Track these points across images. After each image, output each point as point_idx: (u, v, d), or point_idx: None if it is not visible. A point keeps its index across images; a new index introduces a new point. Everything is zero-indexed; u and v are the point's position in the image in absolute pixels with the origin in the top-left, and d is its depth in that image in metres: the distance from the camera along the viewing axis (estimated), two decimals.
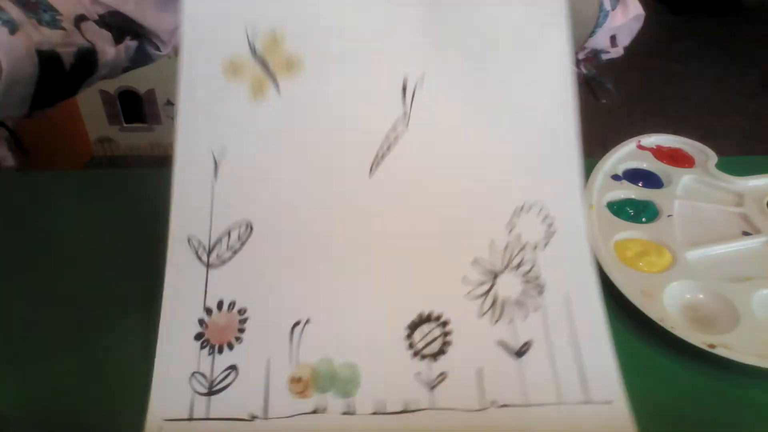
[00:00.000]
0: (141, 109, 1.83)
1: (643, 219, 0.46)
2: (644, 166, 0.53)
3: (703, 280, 0.40)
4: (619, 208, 0.47)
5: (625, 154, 0.55)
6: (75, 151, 1.86)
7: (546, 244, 0.35)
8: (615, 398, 0.32)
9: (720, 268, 0.42)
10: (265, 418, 0.31)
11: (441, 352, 0.33)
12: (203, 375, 0.32)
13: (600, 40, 0.56)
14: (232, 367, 0.32)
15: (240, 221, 0.35)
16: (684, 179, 0.51)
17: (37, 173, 0.55)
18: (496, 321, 0.34)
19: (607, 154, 0.54)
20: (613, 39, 0.58)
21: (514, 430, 0.32)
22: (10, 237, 0.47)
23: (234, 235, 0.35)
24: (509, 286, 0.35)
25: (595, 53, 0.60)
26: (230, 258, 0.34)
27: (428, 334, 0.33)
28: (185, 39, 0.35)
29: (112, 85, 1.77)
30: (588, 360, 0.33)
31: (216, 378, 0.32)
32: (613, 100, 0.58)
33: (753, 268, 0.42)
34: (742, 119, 2.09)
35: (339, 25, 0.36)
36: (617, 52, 0.60)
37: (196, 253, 0.34)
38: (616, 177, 0.51)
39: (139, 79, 1.76)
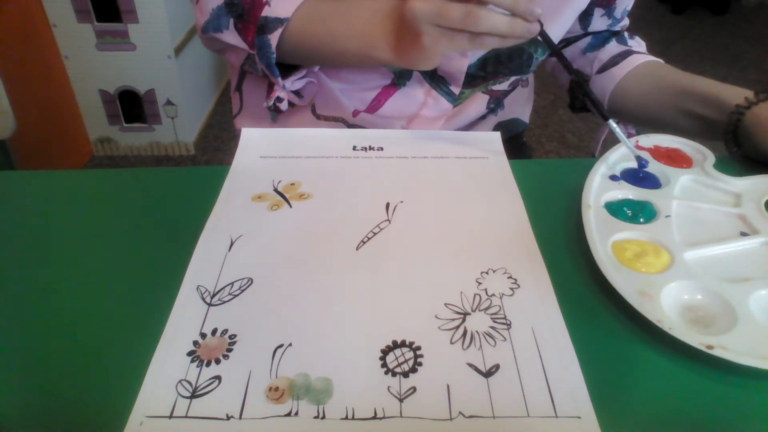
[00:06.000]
0: (141, 109, 1.83)
1: (641, 219, 0.46)
2: None
3: (701, 280, 0.40)
4: (617, 209, 0.47)
5: (624, 155, 0.55)
6: (75, 151, 1.86)
7: (512, 295, 0.41)
8: (583, 415, 0.33)
9: (718, 268, 0.42)
10: (240, 418, 0.33)
11: (412, 370, 0.35)
12: (189, 382, 0.35)
13: None
14: (216, 377, 0.35)
15: (243, 277, 0.42)
16: (682, 179, 0.51)
17: (37, 173, 0.55)
18: (466, 348, 0.37)
19: (605, 155, 0.54)
20: None
21: None
22: (9, 236, 0.47)
23: (236, 285, 0.41)
24: (478, 322, 0.39)
25: None
26: (229, 300, 0.40)
27: (400, 357, 0.36)
28: (228, 180, 0.52)
29: (112, 85, 1.77)
30: (555, 381, 0.35)
31: (200, 385, 0.34)
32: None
33: (751, 269, 0.42)
34: None
35: (340, 172, 0.53)
36: None
37: (202, 296, 0.40)
38: (614, 177, 0.51)
39: (139, 79, 1.77)
